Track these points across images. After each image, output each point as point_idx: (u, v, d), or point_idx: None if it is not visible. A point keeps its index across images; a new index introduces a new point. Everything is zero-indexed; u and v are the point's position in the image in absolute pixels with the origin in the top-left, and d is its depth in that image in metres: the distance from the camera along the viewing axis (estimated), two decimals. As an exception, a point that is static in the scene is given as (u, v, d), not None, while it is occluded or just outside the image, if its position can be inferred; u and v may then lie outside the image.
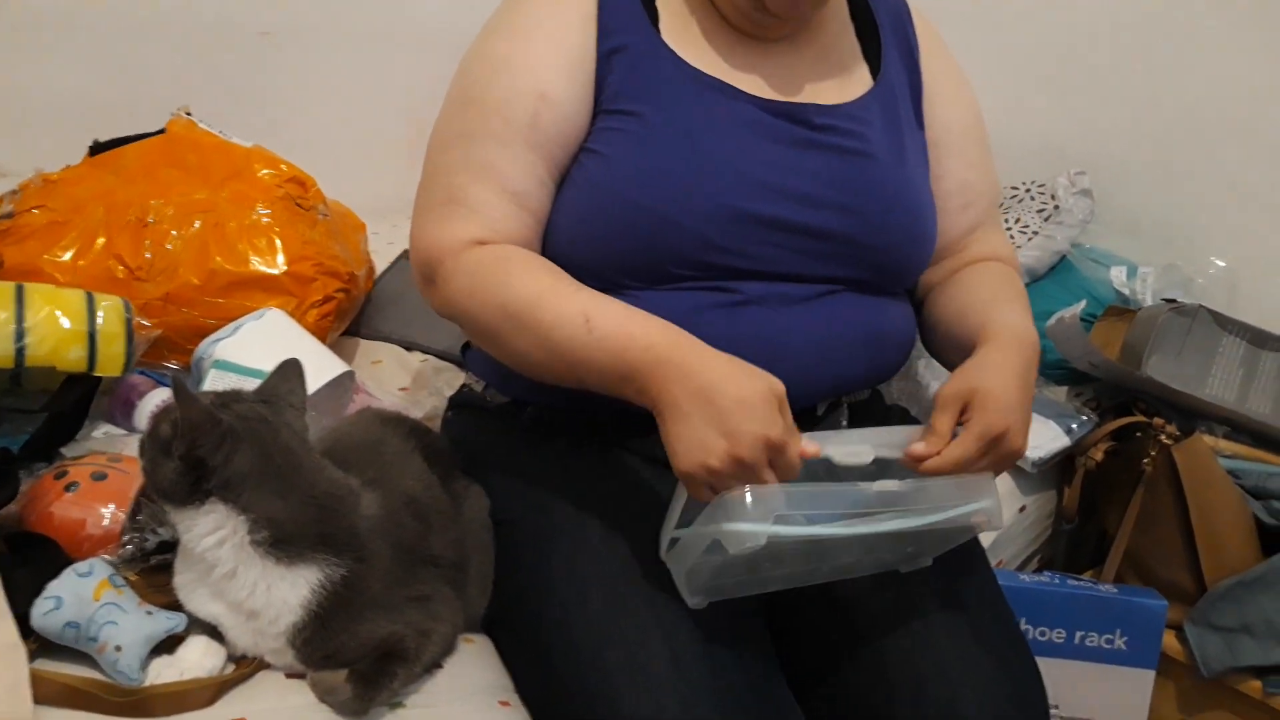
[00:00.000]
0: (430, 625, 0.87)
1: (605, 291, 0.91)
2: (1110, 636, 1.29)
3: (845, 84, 1.04)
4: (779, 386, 0.80)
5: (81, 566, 0.83)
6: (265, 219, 1.29)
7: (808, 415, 1.00)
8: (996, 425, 0.84)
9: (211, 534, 0.79)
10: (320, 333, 1.29)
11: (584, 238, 0.95)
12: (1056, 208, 1.71)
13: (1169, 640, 1.32)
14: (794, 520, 0.76)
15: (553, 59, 0.94)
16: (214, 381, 1.05)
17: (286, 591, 0.80)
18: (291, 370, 0.88)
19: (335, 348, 1.32)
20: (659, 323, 0.85)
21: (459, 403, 1.14)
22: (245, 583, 0.80)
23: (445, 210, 0.95)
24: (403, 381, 1.43)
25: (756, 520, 0.75)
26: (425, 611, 0.87)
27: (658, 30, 0.97)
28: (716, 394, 0.78)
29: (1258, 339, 1.42)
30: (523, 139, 0.93)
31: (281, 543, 0.80)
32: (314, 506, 0.82)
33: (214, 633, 0.83)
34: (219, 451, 0.78)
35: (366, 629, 0.82)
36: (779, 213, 0.94)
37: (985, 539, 1.22)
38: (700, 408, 0.79)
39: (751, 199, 0.94)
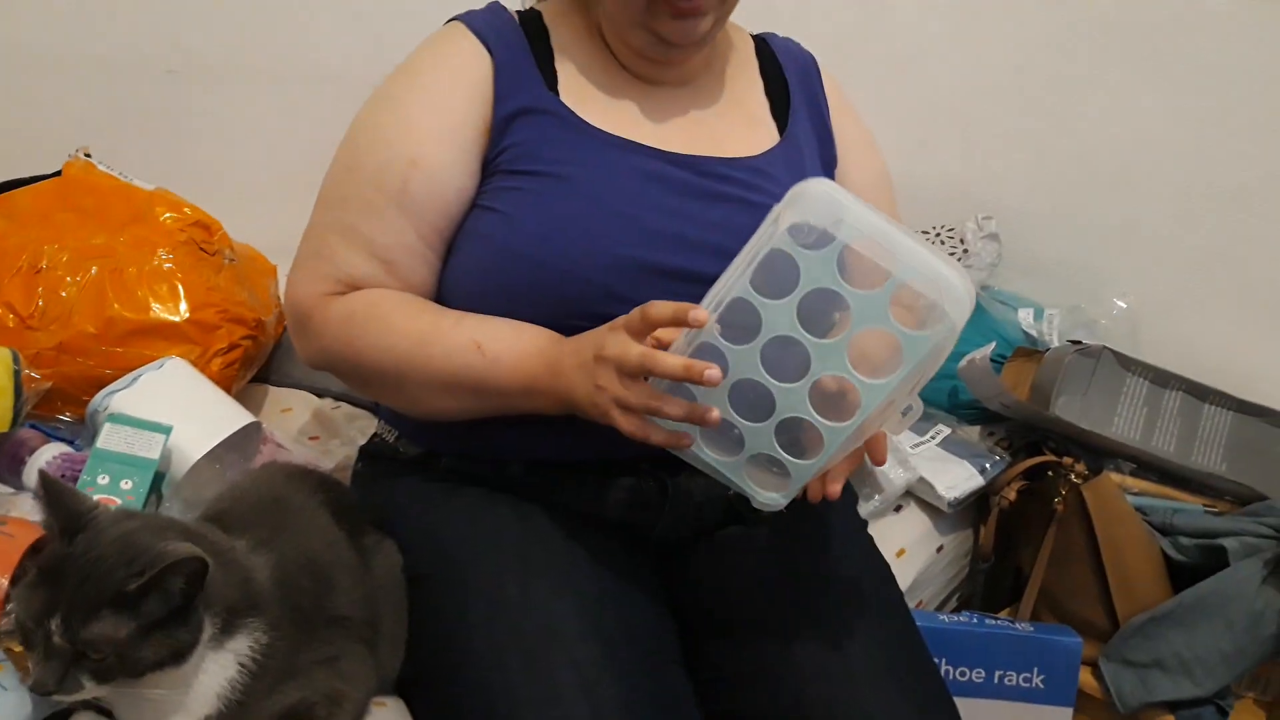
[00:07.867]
0: (342, 688, 0.83)
1: None
2: (1028, 675, 1.30)
3: (751, 138, 1.05)
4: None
5: (-41, 639, 0.78)
6: (167, 264, 1.25)
7: None
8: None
9: (218, 654, 0.76)
10: (225, 382, 1.25)
11: (483, 292, 0.96)
12: (965, 251, 1.75)
13: (1085, 677, 1.33)
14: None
15: (431, 126, 0.96)
16: (108, 436, 1.00)
17: (217, 674, 0.76)
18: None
19: (243, 396, 1.28)
20: (539, 332, 0.92)
21: (370, 453, 1.11)
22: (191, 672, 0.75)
23: (313, 264, 0.99)
24: (313, 430, 1.38)
25: None
26: (334, 672, 0.83)
27: (556, 92, 0.99)
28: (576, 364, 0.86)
29: (1160, 379, 1.46)
30: (394, 205, 0.96)
31: (228, 617, 0.76)
32: (223, 568, 0.77)
33: (101, 709, 0.78)
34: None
35: (276, 700, 0.78)
36: (681, 263, 0.95)
37: (903, 580, 1.23)
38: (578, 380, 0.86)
39: (653, 250, 0.94)
